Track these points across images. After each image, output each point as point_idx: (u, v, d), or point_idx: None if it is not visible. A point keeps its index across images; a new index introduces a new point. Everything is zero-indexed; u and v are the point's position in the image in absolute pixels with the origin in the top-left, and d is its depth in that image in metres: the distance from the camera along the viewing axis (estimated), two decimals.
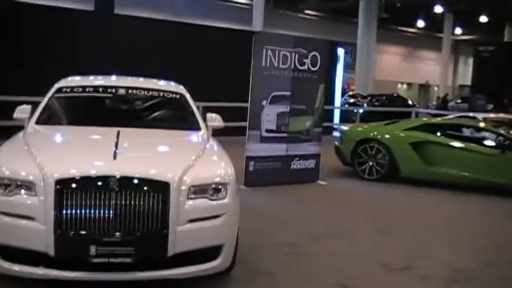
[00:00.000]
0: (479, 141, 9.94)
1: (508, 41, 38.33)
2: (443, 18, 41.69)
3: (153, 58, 14.04)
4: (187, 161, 4.47)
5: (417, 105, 30.18)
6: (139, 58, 13.56)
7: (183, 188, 4.17)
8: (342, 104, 28.20)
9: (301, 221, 7.10)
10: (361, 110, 22.36)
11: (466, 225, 7.39)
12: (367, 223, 7.16)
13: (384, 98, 28.47)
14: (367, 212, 7.88)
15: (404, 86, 52.41)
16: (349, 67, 41.81)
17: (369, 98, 28.69)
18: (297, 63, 9.41)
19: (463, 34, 49.10)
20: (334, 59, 19.41)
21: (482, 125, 10.32)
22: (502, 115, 15.14)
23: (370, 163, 10.31)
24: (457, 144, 9.80)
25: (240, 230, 4.62)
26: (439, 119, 11.66)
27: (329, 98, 19.11)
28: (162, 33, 15.12)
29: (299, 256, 5.61)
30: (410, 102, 32.49)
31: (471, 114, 14.38)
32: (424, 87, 52.29)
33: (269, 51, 9.05)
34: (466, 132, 10.36)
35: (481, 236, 6.91)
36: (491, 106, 24.68)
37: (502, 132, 9.82)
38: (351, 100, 30.17)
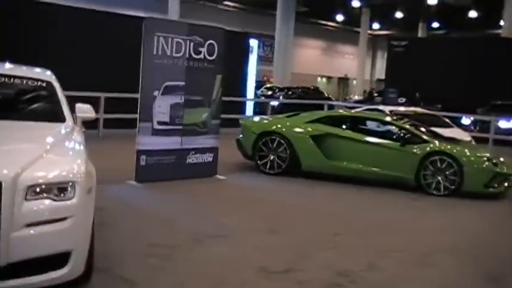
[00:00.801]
0: (381, 134, 9.81)
1: (421, 37, 39.30)
2: (361, 13, 42.27)
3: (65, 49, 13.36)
4: (30, 156, 3.92)
5: (332, 98, 30.35)
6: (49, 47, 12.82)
7: (20, 187, 3.64)
8: (258, 96, 28.07)
9: (185, 220, 6.63)
10: (273, 103, 22.13)
11: (356, 222, 7.13)
12: (256, 222, 6.78)
13: (300, 90, 28.44)
14: (260, 209, 7.52)
15: (324, 79, 52.95)
16: (264, 59, 41.89)
17: (285, 90, 28.54)
18: (192, 52, 8.91)
19: (380, 29, 50.12)
20: (245, 51, 19.07)
21: (384, 118, 10.17)
22: (411, 108, 15.27)
23: (272, 157, 9.98)
24: (357, 137, 9.63)
25: (110, 231, 4.08)
26: (342, 111, 11.43)
27: (241, 90, 18.88)
28: (69, 21, 14.23)
29: (172, 261, 5.14)
30: (326, 95, 32.78)
31: (380, 107, 14.36)
32: (343, 81, 53.03)
33: (161, 39, 8.51)
34: (369, 125, 10.20)
35: (370, 234, 6.65)
36: (403, 100, 25.06)
37: (402, 125, 9.72)
38: (269, 92, 30.03)
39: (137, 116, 8.56)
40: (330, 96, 31.08)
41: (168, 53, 8.62)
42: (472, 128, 19.48)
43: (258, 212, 7.32)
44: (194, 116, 9.14)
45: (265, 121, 10.53)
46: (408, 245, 6.17)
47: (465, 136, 12.93)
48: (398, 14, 43.05)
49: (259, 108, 21.47)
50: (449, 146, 9.21)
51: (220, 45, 9.29)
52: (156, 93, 8.61)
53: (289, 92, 28.36)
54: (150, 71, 8.46)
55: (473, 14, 39.02)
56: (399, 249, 5.95)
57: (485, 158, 9.20)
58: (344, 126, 9.94)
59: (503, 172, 9.21)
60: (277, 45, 35.04)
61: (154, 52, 8.46)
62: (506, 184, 9.36)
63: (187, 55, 8.84)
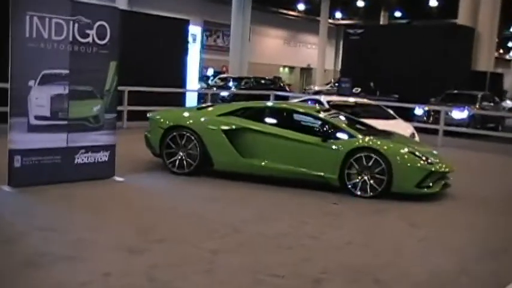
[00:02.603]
0: (302, 128, 8.65)
1: (376, 25, 38.34)
2: (320, 1, 41.25)
3: None
4: None
5: (287, 88, 29.28)
6: None
7: None
8: (207, 87, 26.88)
9: (34, 237, 5.40)
10: (223, 93, 20.91)
11: (248, 234, 5.97)
12: (125, 237, 5.58)
13: (252, 80, 27.28)
14: (143, 218, 6.33)
15: (286, 69, 51.84)
16: (224, 49, 40.65)
17: (238, 80, 27.38)
18: (77, 35, 7.63)
19: (343, 19, 49.17)
20: (184, 38, 17.82)
21: (304, 110, 8.99)
22: (352, 99, 14.21)
23: (180, 154, 8.78)
24: (275, 132, 8.46)
25: None
26: (261, 102, 10.22)
27: (180, 80, 17.64)
28: None
29: None
30: (282, 85, 31.68)
31: (321, 97, 13.23)
32: (306, 71, 51.97)
33: (35, 19, 7.20)
34: (291, 118, 9.03)
35: (260, 250, 5.49)
36: (359, 90, 24.09)
37: (324, 117, 8.59)
38: (222, 83, 28.90)
39: (7, 110, 7.26)
40: (285, 86, 30.02)
41: (45, 35, 7.32)
42: (425, 118, 18.57)
43: (138, 222, 6.12)
44: (82, 109, 7.88)
45: (174, 114, 9.29)
46: (301, 265, 5.02)
47: (407, 128, 11.89)
48: (360, 3, 42.20)
49: (210, 101, 20.25)
50: (377, 141, 8.11)
51: (114, 27, 8.02)
52: (31, 83, 7.32)
53: (242, 83, 27.19)
54: (22, 58, 7.17)
55: (433, 2, 38.31)
56: (287, 272, 4.80)
57: (417, 154, 8.11)
58: (262, 120, 8.75)
59: (438, 170, 8.15)
60: (232, 34, 33.93)
61: (27, 35, 7.16)
62: (442, 183, 8.28)
63: (70, 38, 7.56)
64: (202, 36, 40.47)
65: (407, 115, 18.84)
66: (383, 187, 7.87)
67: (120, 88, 14.49)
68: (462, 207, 7.84)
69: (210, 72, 37.47)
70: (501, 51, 56.32)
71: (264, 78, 28.94)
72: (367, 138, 8.14)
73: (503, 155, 13.84)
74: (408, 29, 27.74)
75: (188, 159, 8.74)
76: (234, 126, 8.61)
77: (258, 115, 8.84)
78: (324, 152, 8.12)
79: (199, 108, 9.29)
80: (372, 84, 23.46)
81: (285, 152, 8.36)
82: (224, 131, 8.59)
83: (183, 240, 5.58)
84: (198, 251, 5.25)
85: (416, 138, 11.66)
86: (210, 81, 30.30)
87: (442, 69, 22.31)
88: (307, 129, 8.44)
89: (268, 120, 8.73)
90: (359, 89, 24.09)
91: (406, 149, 8.14)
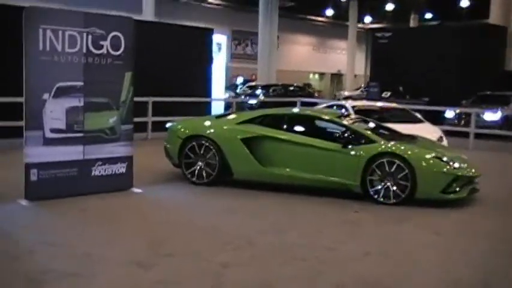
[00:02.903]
0: (323, 135, 8.41)
1: (404, 27, 37.74)
2: (348, 6, 40.87)
3: None
4: None
5: (316, 94, 28.99)
6: None
7: None
8: (235, 96, 26.80)
9: (41, 253, 5.31)
10: (251, 101, 20.74)
11: (262, 246, 5.76)
12: (136, 252, 5.46)
13: (280, 87, 27.08)
14: (156, 232, 6.20)
15: (316, 76, 51.47)
16: (253, 57, 40.55)
17: (266, 88, 27.19)
18: (90, 47, 7.58)
19: (372, 23, 48.60)
20: (208, 47, 17.75)
21: (324, 116, 8.75)
22: (378, 104, 13.91)
23: (200, 164, 8.64)
24: (295, 139, 8.26)
25: None
26: (280, 109, 9.99)
27: (205, 90, 17.57)
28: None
29: None
30: (312, 91, 31.42)
31: (343, 102, 12.97)
32: (337, 77, 51.50)
33: (48, 32, 7.18)
34: (311, 125, 8.81)
35: (269, 263, 5.28)
36: (388, 94, 23.68)
37: (345, 123, 8.35)
38: (250, 91, 28.76)
39: (23, 123, 7.24)
40: (315, 93, 29.73)
41: (59, 48, 7.29)
42: (456, 121, 18.09)
43: (151, 236, 5.99)
44: (98, 121, 7.82)
45: (193, 123, 9.16)
46: (314, 279, 4.80)
47: (434, 132, 11.53)
48: (390, 6, 41.64)
49: (235, 109, 20.16)
50: (400, 146, 7.83)
51: (128, 38, 7.95)
52: (46, 96, 7.29)
53: (270, 90, 27.01)
54: (36, 71, 7.16)
55: (465, 3, 37.56)
56: (299, 286, 4.59)
57: (444, 159, 7.80)
58: (281, 127, 8.55)
59: (465, 175, 7.82)
60: (260, 42, 33.72)
61: (41, 48, 7.15)
62: (470, 188, 7.94)
63: (84, 50, 7.52)
64: (230, 45, 40.76)
65: (438, 118, 18.48)
66: (407, 193, 7.59)
67: (143, 99, 14.82)
68: (489, 214, 7.49)
69: (239, 80, 37.40)
70: None
71: (292, 85, 28.70)
72: (389, 143, 7.87)
73: None
74: (437, 30, 27.15)
75: (207, 169, 8.60)
76: (253, 135, 8.44)
77: (277, 122, 8.65)
78: (345, 159, 7.88)
79: (218, 117, 9.15)
80: (401, 88, 23.05)
81: (305, 159, 8.16)
82: (243, 140, 8.43)
83: (194, 253, 5.42)
84: (208, 265, 5.08)
85: (445, 141, 11.30)
86: (238, 90, 30.20)
87: (473, 70, 21.74)
88: (328, 136, 8.20)
89: (288, 127, 8.52)
90: (389, 93, 23.66)
91: (430, 154, 7.85)
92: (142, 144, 11.01)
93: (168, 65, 16.41)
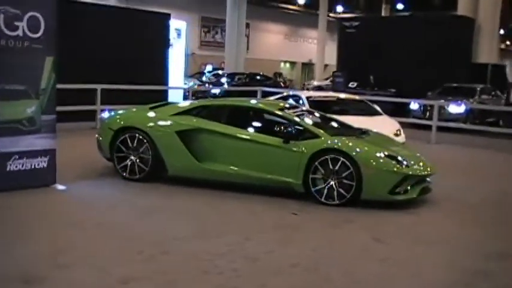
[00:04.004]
0: (265, 128, 7.76)
1: (372, 16, 37.26)
2: None
3: None
4: None
5: (282, 84, 28.37)
6: None
7: None
8: (200, 84, 26.06)
9: None
10: (214, 90, 20.04)
11: (166, 259, 5.10)
12: (27, 262, 4.76)
13: (245, 76, 26.38)
14: (57, 238, 5.50)
15: (288, 65, 50.85)
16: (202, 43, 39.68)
17: (230, 76, 26.50)
18: (3, 27, 6.79)
19: (344, 12, 48.03)
20: (165, 33, 16.94)
21: (266, 107, 8.08)
22: (333, 94, 13.34)
23: (132, 158, 7.93)
24: (234, 132, 7.59)
25: None
26: (220, 100, 9.31)
27: (162, 77, 16.82)
28: None
29: None
30: (283, 80, 30.77)
31: (298, 93, 12.32)
32: (308, 66, 50.91)
33: None
34: (252, 117, 8.15)
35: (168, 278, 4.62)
36: (355, 84, 23.17)
37: (288, 115, 7.70)
38: (215, 79, 28.07)
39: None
40: (281, 82, 29.09)
41: None
42: (421, 113, 17.62)
43: (54, 242, 5.30)
44: (13, 111, 7.04)
45: (126, 114, 8.43)
46: None
47: (392, 125, 10.98)
48: None
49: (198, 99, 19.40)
50: (345, 142, 7.20)
51: (49, 19, 7.17)
52: None
53: (236, 79, 26.31)
54: None
55: None
56: None
57: (393, 156, 7.20)
58: (220, 119, 7.87)
59: (415, 174, 7.24)
60: (228, 29, 33.00)
61: None
62: (421, 188, 7.36)
63: None
64: (200, 32, 39.69)
65: (404, 111, 17.99)
66: (352, 194, 6.98)
67: (92, 86, 14.01)
68: (441, 217, 6.93)
69: (208, 68, 36.63)
70: (508, 42, 55.04)
71: (258, 74, 28.05)
72: (334, 139, 7.24)
73: (502, 152, 12.87)
74: (405, 20, 26.73)
75: (140, 164, 7.91)
76: (188, 127, 7.76)
77: (215, 114, 7.98)
78: (286, 155, 7.24)
79: (152, 107, 8.42)
80: (371, 78, 22.52)
81: (244, 155, 7.51)
82: (178, 132, 7.75)
83: (96, 264, 4.73)
84: (105, 280, 4.40)
85: (402, 135, 10.76)
86: (204, 78, 29.44)
87: (441, 62, 21.34)
88: (269, 130, 7.53)
89: (227, 119, 7.86)
90: (355, 84, 23.18)
91: (378, 150, 7.24)
92: (89, 134, 10.21)
93: (123, 51, 15.61)
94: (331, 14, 45.39)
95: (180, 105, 8.33)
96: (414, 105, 17.94)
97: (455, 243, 5.84)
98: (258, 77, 27.85)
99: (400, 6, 43.82)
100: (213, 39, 43.70)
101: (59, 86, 12.63)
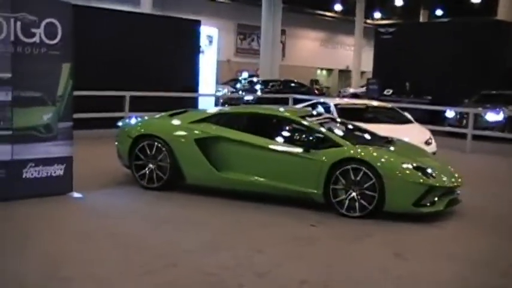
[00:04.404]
0: (285, 137, 7.53)
1: (409, 22, 36.54)
2: (355, 1, 39.79)
3: None
4: None
5: (316, 91, 28.07)
6: None
7: None
8: (236, 91, 26.00)
9: None
10: (248, 97, 19.87)
11: (169, 271, 4.90)
12: (26, 274, 4.62)
13: (279, 83, 26.15)
14: (64, 248, 5.38)
15: (324, 72, 50.42)
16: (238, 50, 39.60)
17: (264, 84, 26.30)
18: (20, 34, 6.75)
19: (382, 19, 47.43)
20: (196, 40, 16.86)
21: (288, 115, 7.81)
22: (363, 101, 13.00)
23: (151, 166, 7.79)
24: (253, 141, 7.37)
25: None
26: (240, 107, 9.10)
27: (192, 84, 16.73)
28: None
29: None
30: (318, 87, 30.44)
31: (327, 100, 12.02)
32: (345, 73, 50.37)
33: None
34: (274, 125, 7.90)
35: None
36: (390, 91, 22.69)
37: (310, 124, 7.43)
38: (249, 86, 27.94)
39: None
40: (315, 89, 28.78)
41: None
42: (456, 121, 17.07)
43: (60, 253, 5.18)
44: (30, 118, 6.99)
45: (144, 121, 8.30)
46: None
47: (423, 133, 10.57)
48: (399, 2, 40.53)
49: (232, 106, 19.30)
50: (368, 151, 6.91)
51: (66, 25, 7.11)
52: None
53: (269, 86, 26.11)
54: None
55: None
56: None
57: (419, 166, 6.86)
58: (239, 127, 7.67)
59: (442, 185, 6.88)
60: (263, 36, 32.76)
61: None
62: (448, 199, 6.99)
63: (12, 38, 6.68)
64: (236, 40, 39.72)
65: (439, 119, 17.49)
66: (374, 205, 6.67)
67: (121, 93, 13.99)
68: (467, 230, 6.56)
69: (244, 75, 36.60)
70: None
71: (292, 81, 27.79)
72: (355, 148, 6.95)
73: None
74: (442, 26, 26.03)
75: (158, 172, 7.76)
76: (207, 135, 7.58)
77: (235, 122, 7.79)
78: (307, 164, 6.98)
79: (172, 115, 8.28)
80: (407, 84, 22.00)
81: (264, 164, 7.28)
82: (196, 141, 7.57)
83: (97, 277, 4.57)
84: None
85: (433, 144, 10.35)
86: (238, 85, 29.35)
87: (479, 68, 20.69)
88: (290, 138, 7.29)
89: (247, 127, 7.64)
90: (390, 91, 22.69)
91: (403, 160, 6.91)
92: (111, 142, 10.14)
93: (153, 58, 15.60)
94: (368, 21, 44.86)
95: (199, 112, 8.16)
96: (450, 113, 17.41)
97: (476, 258, 5.48)
98: (293, 84, 27.59)
99: (439, 12, 42.95)
100: (249, 46, 43.66)
101: (88, 93, 12.89)
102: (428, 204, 6.77)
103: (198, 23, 17.03)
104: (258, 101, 22.58)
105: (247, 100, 23.50)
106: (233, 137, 7.45)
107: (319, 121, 7.75)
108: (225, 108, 8.37)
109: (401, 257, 5.43)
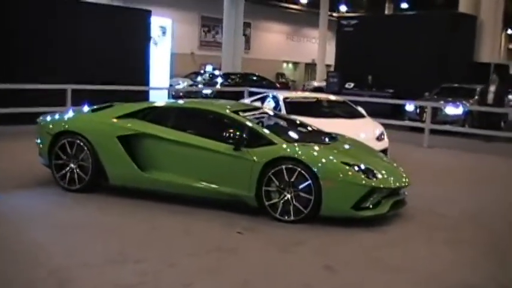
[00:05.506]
0: (217, 133, 6.83)
1: (370, 15, 36.25)
2: None
3: None
4: None
5: (277, 84, 27.52)
6: None
7: None
8: (194, 85, 25.33)
9: None
10: (206, 91, 19.26)
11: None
12: None
13: (238, 76, 25.49)
14: None
15: (290, 65, 49.88)
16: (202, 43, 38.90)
17: (224, 77, 25.61)
18: None
19: (347, 12, 47.02)
20: (146, 31, 16.11)
21: (219, 110, 7.13)
22: (313, 95, 12.49)
23: (72, 166, 7.08)
24: (181, 138, 6.72)
25: None
26: (169, 101, 8.42)
27: (142, 77, 15.99)
28: None
29: None
30: (284, 81, 29.84)
31: (275, 93, 11.38)
32: (311, 67, 49.88)
33: None
34: (204, 121, 7.23)
35: None
36: (352, 85, 22.26)
37: (240, 119, 6.80)
38: (209, 80, 27.22)
39: None
40: (277, 83, 28.21)
41: None
42: (416, 115, 16.67)
43: None
44: None
45: (65, 117, 7.56)
46: None
47: (375, 128, 10.03)
48: None
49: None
50: (304, 149, 6.30)
51: None
52: None
53: (229, 79, 25.43)
54: None
55: None
56: None
57: (361, 166, 6.28)
58: (167, 123, 6.98)
59: (386, 186, 6.31)
60: (225, 28, 32.01)
61: None
62: (393, 201, 6.42)
63: None
64: (199, 31, 38.80)
65: (399, 112, 17.09)
66: (310, 209, 6.08)
67: (62, 86, 13.17)
68: (411, 237, 5.99)
69: (208, 68, 35.88)
70: None
71: (254, 74, 27.16)
72: (290, 146, 6.34)
73: (499, 157, 11.92)
74: (404, 18, 25.62)
75: (80, 172, 7.05)
76: (131, 132, 6.90)
77: (163, 117, 7.12)
78: (237, 164, 6.36)
79: (96, 109, 7.57)
80: (370, 78, 21.59)
81: (192, 164, 6.65)
82: (119, 138, 6.89)
83: None
84: None
85: (385, 140, 9.83)
86: (199, 78, 28.62)
87: (440, 61, 20.39)
88: (220, 135, 6.61)
89: (175, 123, 6.96)
90: (352, 84, 22.26)
91: (343, 159, 6.33)
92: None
93: (101, 50, 14.83)
94: (334, 14, 44.42)
95: (125, 106, 7.44)
96: (409, 107, 17.00)
97: (417, 271, 4.91)
98: (255, 78, 26.95)
99: (404, 5, 42.73)
100: (213, 39, 42.83)
101: (25, 86, 12.08)
102: (370, 207, 6.20)
103: (148, 13, 16.27)
104: (217, 94, 21.94)
105: (206, 94, 22.84)
106: (158, 134, 6.79)
107: (254, 116, 7.13)
108: (153, 102, 7.66)
109: (331, 269, 4.84)
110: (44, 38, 13.73)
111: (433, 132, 13.61)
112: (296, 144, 6.42)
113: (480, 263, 5.22)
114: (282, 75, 44.53)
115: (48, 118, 7.59)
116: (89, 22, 14.58)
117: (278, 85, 27.97)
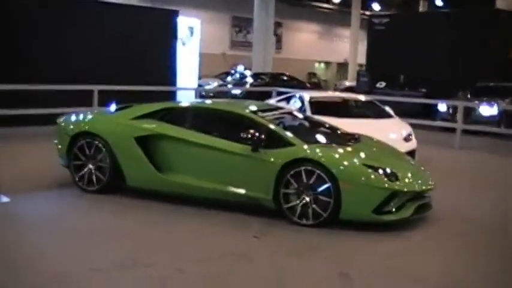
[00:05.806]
0: (235, 134, 6.64)
1: (403, 13, 35.59)
2: None
3: None
4: None
5: (307, 84, 27.24)
6: None
7: None
8: (224, 85, 25.26)
9: None
10: (235, 91, 19.08)
11: None
12: None
13: (268, 77, 25.30)
14: None
15: (322, 65, 49.46)
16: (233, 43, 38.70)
17: (254, 77, 25.45)
18: None
19: (380, 10, 46.41)
20: (172, 31, 16.04)
21: (239, 111, 6.95)
22: (340, 95, 12.22)
23: (90, 167, 7.01)
24: (199, 140, 6.58)
25: None
26: (187, 101, 8.25)
27: (168, 77, 15.92)
28: None
29: None
30: (316, 81, 29.56)
31: (302, 93, 11.15)
32: (343, 66, 49.37)
33: None
34: (223, 122, 7.05)
35: None
36: (383, 84, 21.84)
37: (259, 119, 6.61)
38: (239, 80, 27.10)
39: None
40: (307, 83, 27.93)
41: None
42: (448, 115, 16.22)
43: None
44: None
45: (84, 117, 7.49)
46: None
47: (402, 129, 9.73)
48: None
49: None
50: (324, 151, 6.10)
51: None
52: None
53: (258, 79, 25.27)
54: None
55: None
56: None
57: (384, 169, 6.04)
58: (185, 124, 6.85)
59: (409, 190, 6.06)
60: (255, 28, 31.83)
61: None
62: (417, 205, 6.16)
63: None
64: (230, 32, 38.80)
65: (432, 112, 16.68)
66: (329, 213, 5.87)
67: (88, 87, 13.19)
68: (433, 244, 5.73)
69: (239, 68, 35.76)
70: None
71: (284, 74, 26.94)
72: (309, 147, 6.15)
73: None
74: (437, 16, 25.04)
75: (98, 174, 6.98)
76: (149, 133, 6.80)
77: (181, 118, 6.98)
78: (255, 165, 6.19)
79: (116, 110, 7.49)
80: (402, 77, 21.17)
81: (208, 165, 6.51)
82: (138, 139, 6.79)
83: None
84: None
85: (413, 140, 9.53)
86: (229, 78, 28.53)
87: (476, 59, 19.82)
88: (238, 136, 6.43)
89: (192, 124, 6.83)
90: (383, 84, 21.85)
91: (365, 161, 6.10)
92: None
93: (126, 50, 14.83)
94: (366, 12, 43.86)
95: (144, 107, 7.33)
96: (442, 107, 16.55)
97: (437, 281, 4.66)
98: (285, 78, 26.75)
99: (438, 2, 41.90)
100: (244, 39, 42.74)
101: (57, 87, 12.11)
102: (393, 210, 5.96)
103: (175, 13, 16.22)
104: (246, 94, 21.79)
105: (235, 94, 22.73)
106: (175, 135, 6.67)
107: (275, 116, 6.94)
108: (171, 103, 7.55)
109: (347, 276, 4.62)
110: (69, 40, 13.78)
111: (466, 132, 13.20)
112: (316, 146, 6.22)
113: (509, 274, 4.93)
114: (314, 75, 44.17)
115: (68, 119, 7.54)
116: (116, 22, 14.58)
117: (308, 85, 27.69)
